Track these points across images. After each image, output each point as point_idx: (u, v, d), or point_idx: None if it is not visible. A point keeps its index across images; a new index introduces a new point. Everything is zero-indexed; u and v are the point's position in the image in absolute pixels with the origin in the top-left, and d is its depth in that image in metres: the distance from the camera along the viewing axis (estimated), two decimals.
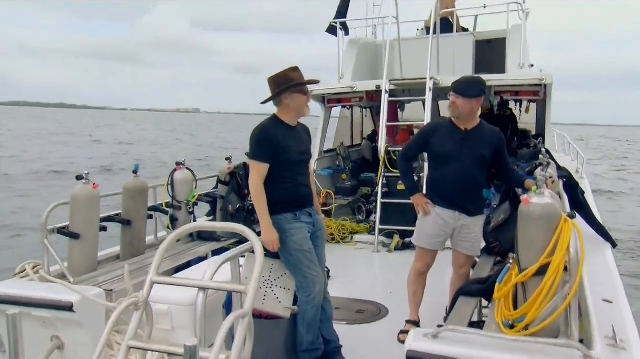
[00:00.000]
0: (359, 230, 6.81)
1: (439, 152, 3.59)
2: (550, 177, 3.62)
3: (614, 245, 4.18)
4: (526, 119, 9.39)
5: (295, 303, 3.23)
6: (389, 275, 5.46)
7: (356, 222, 7.02)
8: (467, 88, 3.47)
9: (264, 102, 3.20)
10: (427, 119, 6.58)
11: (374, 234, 6.45)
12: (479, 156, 3.49)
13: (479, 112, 3.71)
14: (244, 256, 3.12)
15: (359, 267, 5.80)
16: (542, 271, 2.41)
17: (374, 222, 6.77)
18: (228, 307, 3.21)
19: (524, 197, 2.53)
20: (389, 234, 6.39)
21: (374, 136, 9.95)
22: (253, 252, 2.96)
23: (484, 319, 3.09)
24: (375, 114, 10.07)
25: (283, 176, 3.08)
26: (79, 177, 3.73)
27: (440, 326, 3.66)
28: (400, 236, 6.30)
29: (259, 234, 5.37)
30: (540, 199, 2.49)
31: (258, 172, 3.04)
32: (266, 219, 3.03)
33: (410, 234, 6.26)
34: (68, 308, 2.94)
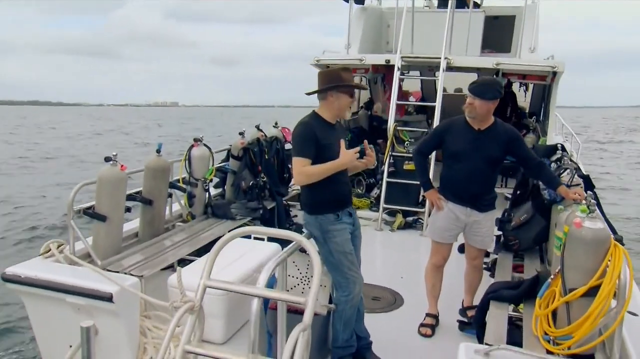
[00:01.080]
0: (360, 206, 6.85)
1: (452, 151, 3.65)
2: (579, 185, 3.70)
3: (621, 244, 4.34)
4: (519, 97, 9.48)
5: (329, 300, 3.28)
6: (396, 256, 5.57)
7: (356, 196, 7.07)
8: (484, 91, 3.50)
9: (310, 94, 3.13)
10: (439, 98, 6.56)
11: (375, 211, 6.52)
12: (490, 156, 3.56)
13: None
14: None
15: (365, 247, 5.86)
16: (588, 293, 2.51)
17: (375, 198, 6.85)
18: (265, 301, 3.24)
19: (576, 221, 2.58)
20: (392, 213, 6.48)
21: (370, 104, 9.87)
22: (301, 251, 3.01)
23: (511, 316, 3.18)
24: (373, 82, 9.96)
25: (326, 177, 3.04)
26: (107, 159, 3.62)
27: (462, 321, 3.83)
28: (403, 215, 6.40)
29: (272, 211, 5.39)
30: (593, 223, 2.55)
31: (301, 169, 2.99)
32: (332, 166, 2.99)
33: (412, 213, 6.43)
34: (108, 298, 2.91)
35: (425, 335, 3.74)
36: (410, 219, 6.42)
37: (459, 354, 2.40)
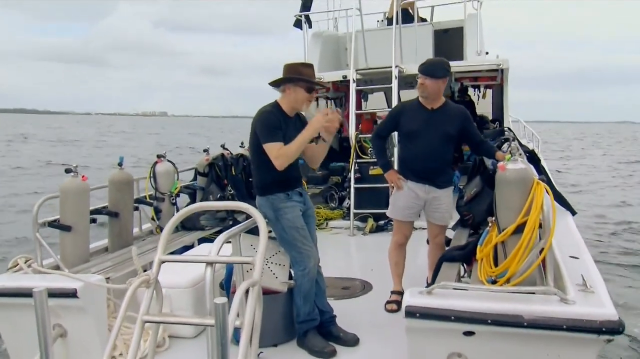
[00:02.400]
0: (333, 216, 7.04)
1: (407, 130, 3.87)
2: (518, 150, 3.93)
3: (573, 213, 4.54)
4: (483, 106, 9.86)
5: (290, 278, 3.41)
6: (368, 255, 5.71)
7: (330, 209, 7.26)
8: (434, 69, 3.76)
9: (271, 84, 3.31)
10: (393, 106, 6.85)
11: (348, 219, 6.69)
12: (444, 132, 3.78)
13: None
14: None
15: (338, 251, 6.02)
16: (519, 229, 2.68)
17: (347, 208, 7.03)
18: (227, 285, 3.36)
19: (500, 164, 2.79)
20: (363, 219, 6.65)
21: (339, 127, 10.18)
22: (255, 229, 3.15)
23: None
24: (338, 105, 10.32)
25: None
26: (67, 171, 3.77)
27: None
28: (374, 219, 6.58)
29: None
30: (515, 165, 2.77)
31: (279, 152, 3.09)
32: (305, 132, 3.12)
33: (383, 216, 6.59)
34: (72, 294, 3.01)
35: (391, 311, 3.85)
36: (381, 222, 6.59)
37: (404, 298, 2.54)
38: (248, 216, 5.70)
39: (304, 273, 3.22)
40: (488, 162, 4.14)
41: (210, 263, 2.59)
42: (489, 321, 2.34)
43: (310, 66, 3.34)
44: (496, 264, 2.90)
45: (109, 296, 3.41)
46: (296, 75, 3.21)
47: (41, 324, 2.27)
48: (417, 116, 3.83)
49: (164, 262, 2.70)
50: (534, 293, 2.49)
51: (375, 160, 5.46)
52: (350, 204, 6.71)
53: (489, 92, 9.43)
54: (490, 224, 3.00)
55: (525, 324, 2.30)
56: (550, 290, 2.43)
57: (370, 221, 6.55)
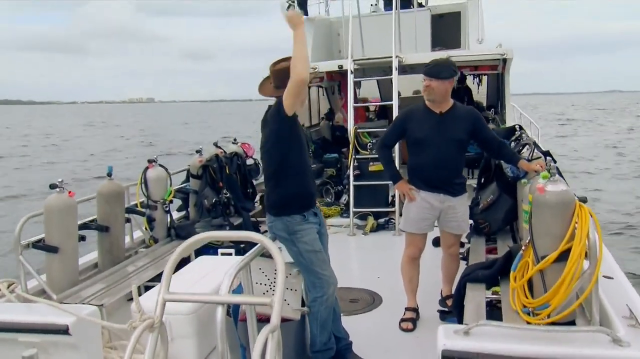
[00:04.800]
0: (330, 214, 6.76)
1: (416, 138, 3.59)
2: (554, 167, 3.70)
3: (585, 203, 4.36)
4: (477, 94, 9.62)
5: (302, 304, 3.14)
6: (371, 258, 5.47)
7: (325, 205, 6.98)
8: (440, 70, 3.49)
9: (269, 95, 3.01)
10: (395, 97, 6.56)
11: (346, 217, 6.43)
12: (455, 138, 3.52)
13: None
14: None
15: (339, 252, 5.70)
16: (560, 258, 2.45)
17: (345, 205, 6.77)
18: (235, 313, 3.09)
19: (539, 186, 2.53)
20: (363, 217, 6.40)
21: (331, 115, 9.88)
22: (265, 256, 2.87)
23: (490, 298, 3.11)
24: (330, 93, 9.98)
25: (296, 167, 2.91)
26: (52, 186, 3.42)
27: (442, 311, 3.74)
28: (374, 217, 6.33)
29: (239, 227, 5.21)
30: (555, 186, 2.51)
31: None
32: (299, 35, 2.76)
33: (383, 214, 6.35)
34: (63, 331, 2.70)
35: (406, 330, 3.63)
36: (382, 220, 6.35)
37: (438, 337, 2.29)
38: (246, 219, 5.38)
39: (322, 300, 2.96)
40: (506, 167, 3.91)
41: (222, 304, 2.30)
42: None
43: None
44: (531, 292, 2.67)
45: (103, 326, 3.11)
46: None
47: None
48: (425, 122, 3.55)
49: (168, 301, 2.40)
50: (583, 331, 2.27)
51: (376, 156, 5.21)
52: (349, 201, 6.44)
53: (485, 78, 9.20)
54: (524, 248, 2.76)
55: None
56: (601, 329, 2.21)
57: (371, 220, 6.30)
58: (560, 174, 2.79)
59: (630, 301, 2.60)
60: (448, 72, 3.49)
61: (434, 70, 3.49)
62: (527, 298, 2.62)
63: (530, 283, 2.68)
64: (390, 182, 3.78)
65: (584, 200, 2.58)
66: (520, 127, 5.04)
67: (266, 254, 2.94)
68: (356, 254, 5.86)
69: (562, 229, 2.46)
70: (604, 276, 2.98)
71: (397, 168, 4.02)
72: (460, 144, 3.56)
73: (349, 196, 6.47)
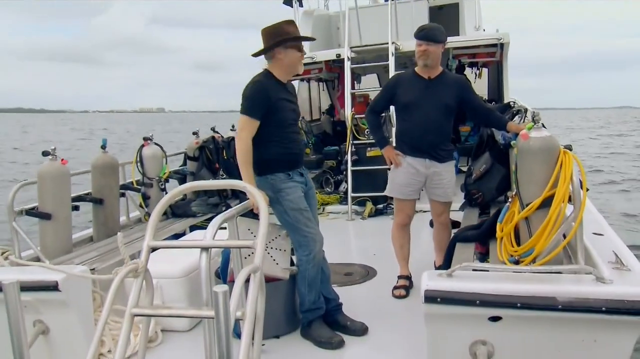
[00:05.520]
0: (329, 201, 6.79)
1: (404, 102, 3.61)
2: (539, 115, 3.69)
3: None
4: (478, 87, 9.61)
5: (291, 264, 3.15)
6: (368, 240, 5.47)
7: (325, 194, 7.00)
8: (435, 34, 3.53)
9: (255, 55, 3.04)
10: None
11: (345, 204, 6.44)
12: (442, 103, 3.54)
13: None
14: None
15: (337, 236, 5.75)
16: (545, 204, 2.44)
17: (344, 193, 6.77)
18: (224, 273, 3.10)
19: (523, 132, 2.54)
20: (361, 202, 6.40)
21: (332, 110, 9.92)
22: (251, 212, 2.89)
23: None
24: (331, 88, 10.02)
25: (277, 134, 2.95)
26: (45, 153, 3.46)
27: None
28: (372, 202, 6.32)
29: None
30: (539, 132, 2.52)
31: (249, 129, 2.89)
32: (252, 179, 2.90)
33: (382, 200, 6.35)
34: (53, 287, 2.72)
35: (399, 296, 3.62)
36: (380, 206, 6.34)
37: (421, 281, 2.29)
38: (243, 201, 5.44)
39: (308, 258, 2.96)
40: (498, 136, 3.91)
41: (205, 248, 2.32)
42: (519, 304, 2.11)
43: (292, 22, 3.03)
44: (518, 243, 2.67)
45: (94, 289, 3.14)
46: (285, 37, 2.91)
47: (14, 324, 1.99)
48: (414, 87, 3.57)
49: (153, 249, 2.42)
50: (564, 273, 2.26)
51: (373, 141, 5.20)
52: (347, 188, 6.45)
53: (485, 71, 9.19)
54: (510, 199, 2.75)
55: (560, 307, 2.07)
56: (585, 269, 2.20)
57: (369, 205, 6.29)
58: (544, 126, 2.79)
59: (618, 250, 2.59)
60: (442, 35, 3.55)
61: (430, 33, 3.50)
62: (512, 246, 2.61)
63: (517, 233, 2.68)
64: (388, 167, 3.79)
65: (569, 148, 2.57)
66: (514, 103, 5.04)
67: (256, 217, 2.97)
68: (354, 237, 5.85)
69: (546, 175, 2.46)
70: (593, 233, 2.97)
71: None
72: (448, 109, 3.57)
73: (347, 182, 6.48)
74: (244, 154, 2.90)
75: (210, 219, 4.76)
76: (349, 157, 6.46)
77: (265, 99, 2.89)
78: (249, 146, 2.90)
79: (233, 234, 2.73)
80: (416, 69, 3.61)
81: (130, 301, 2.27)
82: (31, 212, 3.46)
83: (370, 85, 10.23)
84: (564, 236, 2.42)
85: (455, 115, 3.70)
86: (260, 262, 2.24)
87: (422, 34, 3.51)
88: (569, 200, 2.41)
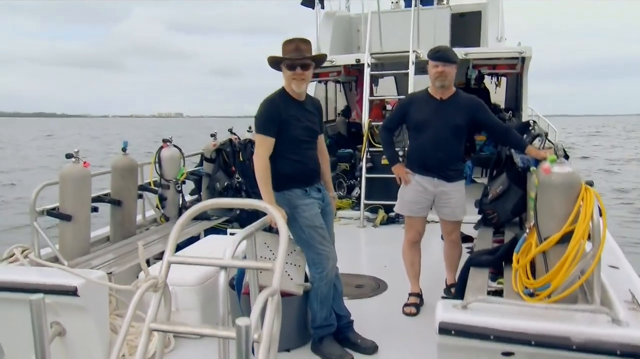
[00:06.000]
0: (341, 206, 6.80)
1: (416, 121, 3.65)
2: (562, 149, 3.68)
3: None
4: (497, 95, 9.55)
5: (305, 280, 3.18)
6: (380, 249, 5.48)
7: (337, 198, 7.02)
8: (450, 55, 3.56)
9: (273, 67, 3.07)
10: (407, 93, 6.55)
11: (357, 210, 6.45)
12: (453, 123, 3.55)
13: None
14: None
15: (348, 243, 5.77)
16: (563, 239, 2.44)
17: (357, 198, 6.78)
18: (239, 286, 3.13)
19: (544, 166, 2.54)
20: (374, 209, 6.41)
21: (347, 111, 9.90)
22: (269, 229, 2.92)
23: (494, 289, 3.11)
24: (348, 89, 9.99)
25: (290, 151, 2.99)
26: (68, 156, 3.51)
27: (446, 298, 3.75)
28: (385, 210, 6.33)
29: (250, 212, 5.28)
30: (562, 168, 2.51)
31: (264, 147, 2.94)
32: (271, 197, 2.93)
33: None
34: (72, 292, 2.78)
35: (409, 314, 3.63)
36: (392, 214, 6.34)
37: (436, 310, 2.31)
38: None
39: (321, 276, 2.99)
40: (517, 158, 3.90)
41: (224, 267, 2.35)
42: (532, 342, 2.11)
43: (292, 41, 2.99)
44: (533, 273, 2.67)
45: (111, 293, 3.19)
46: (274, 57, 2.96)
47: (38, 333, 2.04)
48: (425, 107, 3.61)
49: (172, 263, 2.46)
50: (582, 311, 2.26)
51: None
52: (360, 194, 6.46)
53: (504, 80, 9.13)
54: (528, 230, 2.76)
55: (574, 347, 2.07)
56: (600, 309, 2.20)
57: (381, 213, 6.31)
58: (567, 157, 2.78)
59: (634, 287, 2.58)
60: (456, 56, 3.60)
61: (446, 55, 3.53)
62: (528, 279, 2.62)
63: (533, 266, 2.69)
64: (397, 178, 3.82)
65: (590, 183, 2.57)
66: (535, 122, 5.01)
67: (273, 230, 3.00)
68: (365, 246, 5.87)
69: (566, 210, 2.45)
70: (609, 266, 2.96)
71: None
72: (458, 129, 3.58)
73: (360, 188, 6.49)
74: (261, 173, 2.93)
75: (224, 222, 4.86)
76: (363, 164, 6.47)
77: (275, 116, 2.93)
78: (267, 163, 2.93)
79: (251, 251, 2.76)
80: (429, 89, 3.63)
81: (149, 316, 2.31)
82: (52, 212, 3.52)
83: (387, 89, 10.24)
84: (581, 273, 2.43)
85: (467, 134, 3.71)
86: (278, 286, 2.27)
87: (439, 55, 3.53)
88: (588, 237, 2.41)
